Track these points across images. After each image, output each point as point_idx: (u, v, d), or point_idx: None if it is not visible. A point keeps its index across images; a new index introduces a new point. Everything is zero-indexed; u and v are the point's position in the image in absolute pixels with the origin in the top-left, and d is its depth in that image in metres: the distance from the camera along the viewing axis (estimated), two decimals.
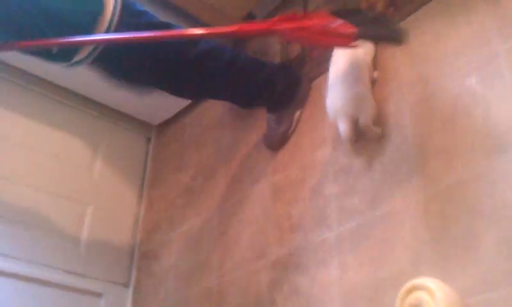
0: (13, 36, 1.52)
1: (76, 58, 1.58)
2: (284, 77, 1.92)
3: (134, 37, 1.53)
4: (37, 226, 2.19)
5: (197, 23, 2.34)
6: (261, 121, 2.01)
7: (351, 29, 1.44)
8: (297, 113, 1.89)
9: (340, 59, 1.60)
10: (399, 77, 1.59)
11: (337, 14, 1.49)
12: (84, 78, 2.46)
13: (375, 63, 1.65)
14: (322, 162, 1.71)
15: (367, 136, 1.54)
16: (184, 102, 2.54)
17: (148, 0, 2.22)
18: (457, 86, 1.41)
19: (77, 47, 1.56)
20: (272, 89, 1.88)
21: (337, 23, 1.46)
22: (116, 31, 1.55)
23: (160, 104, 2.59)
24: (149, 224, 2.44)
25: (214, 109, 2.38)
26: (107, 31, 1.54)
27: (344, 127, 1.51)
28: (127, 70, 1.75)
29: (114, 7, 1.55)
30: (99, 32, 1.53)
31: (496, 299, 1.10)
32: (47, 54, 1.59)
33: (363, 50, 1.60)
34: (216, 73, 1.81)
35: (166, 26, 1.67)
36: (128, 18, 1.59)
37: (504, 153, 1.23)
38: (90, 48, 1.56)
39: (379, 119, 1.56)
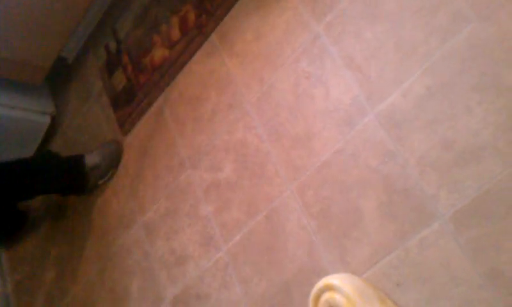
0: None
1: None
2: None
3: None
4: None
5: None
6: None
7: None
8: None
9: None
10: (234, 81, 1.61)
11: None
12: None
13: None
14: (187, 185, 1.68)
15: None
16: None
17: None
18: (292, 74, 1.47)
19: None
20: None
21: None
22: None
23: None
24: None
25: None
26: None
27: None
28: None
29: None
30: None
31: (391, 262, 1.17)
32: None
33: None
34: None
35: None
36: None
37: (354, 124, 1.30)
38: None
39: (231, 127, 1.59)
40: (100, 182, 1.99)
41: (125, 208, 1.88)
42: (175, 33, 1.87)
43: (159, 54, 1.92)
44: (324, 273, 1.28)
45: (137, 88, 1.99)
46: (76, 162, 1.95)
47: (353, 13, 1.36)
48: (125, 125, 2.00)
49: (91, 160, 1.94)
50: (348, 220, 1.27)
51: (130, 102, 2.00)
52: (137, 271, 1.77)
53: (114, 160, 1.96)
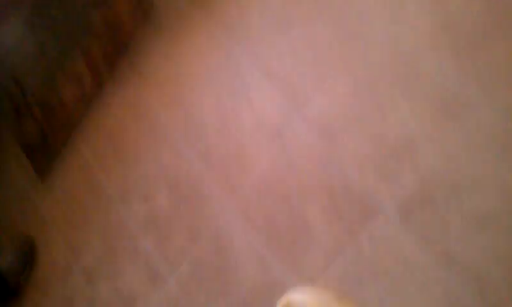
0: None
1: None
2: None
3: None
4: None
5: None
6: None
7: None
8: None
9: None
10: (152, 108, 1.58)
11: None
12: None
13: None
14: (121, 222, 1.63)
15: None
16: None
17: None
18: (212, 93, 1.46)
19: None
20: None
21: None
22: None
23: None
24: None
25: None
26: None
27: None
28: None
29: None
30: None
31: (344, 262, 1.20)
32: None
33: None
34: None
35: None
36: None
37: (284, 133, 1.31)
38: None
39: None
40: (22, 280, 1.87)
41: (59, 258, 1.79)
42: (81, 68, 1.80)
43: (68, 92, 1.84)
44: (279, 284, 1.29)
45: (50, 131, 1.89)
46: None
47: (263, 24, 1.37)
48: (43, 171, 1.91)
49: (4, 259, 1.82)
50: (295, 228, 1.28)
51: (44, 147, 1.91)
52: None
53: (28, 252, 1.85)
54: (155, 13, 1.61)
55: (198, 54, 1.50)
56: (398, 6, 1.17)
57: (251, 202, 1.36)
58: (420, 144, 1.11)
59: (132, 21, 1.66)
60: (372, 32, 1.20)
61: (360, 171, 1.19)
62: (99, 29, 1.74)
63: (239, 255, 1.37)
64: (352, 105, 1.21)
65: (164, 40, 1.58)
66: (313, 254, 1.25)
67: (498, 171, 1.04)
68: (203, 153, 1.46)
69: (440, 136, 1.09)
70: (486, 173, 1.05)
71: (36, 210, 1.89)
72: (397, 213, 1.13)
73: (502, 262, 1.04)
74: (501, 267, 1.04)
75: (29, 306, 1.87)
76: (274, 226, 1.32)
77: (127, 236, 1.61)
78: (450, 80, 1.09)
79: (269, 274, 1.31)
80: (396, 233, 1.13)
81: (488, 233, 1.05)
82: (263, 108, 1.36)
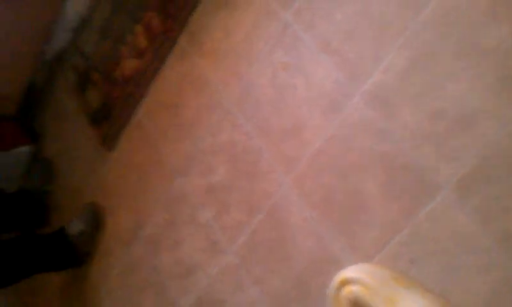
0: None
1: None
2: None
3: None
4: None
5: None
6: None
7: None
8: None
9: None
10: (210, 82, 1.59)
11: None
12: None
13: None
14: (182, 194, 1.67)
15: None
16: None
17: None
18: (268, 66, 1.45)
19: None
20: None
21: None
22: None
23: None
24: None
25: None
26: None
27: None
28: None
29: None
30: None
31: (401, 240, 1.18)
32: None
33: None
34: None
35: None
36: None
37: (341, 108, 1.29)
38: None
39: (216, 130, 1.57)
40: (90, 248, 1.96)
41: (123, 226, 1.86)
42: (142, 42, 1.83)
43: (129, 65, 1.88)
44: (335, 260, 1.28)
45: (113, 102, 1.95)
46: (58, 235, 1.92)
47: None
48: (107, 141, 1.97)
49: (74, 228, 1.91)
50: (351, 204, 1.26)
51: (108, 118, 1.97)
52: (147, 287, 1.76)
53: (96, 222, 1.93)
54: None
55: (256, 26, 1.48)
56: None
57: (308, 177, 1.35)
58: (480, 121, 1.07)
59: None
60: (430, 5, 1.15)
61: (419, 147, 1.15)
62: (159, 3, 1.76)
63: (295, 230, 1.37)
64: (411, 80, 1.16)
65: (223, 13, 1.57)
66: (370, 231, 1.23)
67: None
68: (260, 127, 1.46)
69: (501, 112, 1.04)
70: None
71: (102, 180, 1.97)
72: (456, 191, 1.09)
73: None
74: None
75: (94, 274, 1.96)
76: (330, 202, 1.31)
77: (187, 208, 1.64)
78: None
79: (324, 250, 1.31)
80: (454, 211, 1.09)
81: None
82: (320, 82, 1.33)
